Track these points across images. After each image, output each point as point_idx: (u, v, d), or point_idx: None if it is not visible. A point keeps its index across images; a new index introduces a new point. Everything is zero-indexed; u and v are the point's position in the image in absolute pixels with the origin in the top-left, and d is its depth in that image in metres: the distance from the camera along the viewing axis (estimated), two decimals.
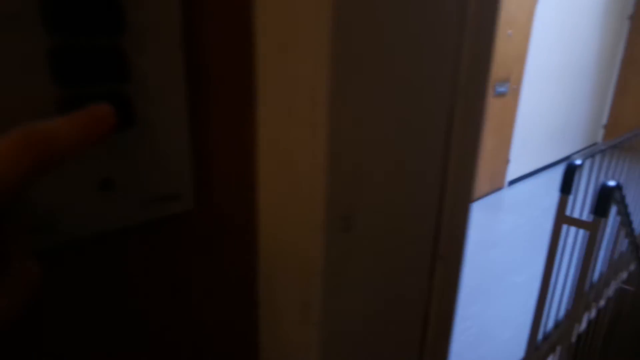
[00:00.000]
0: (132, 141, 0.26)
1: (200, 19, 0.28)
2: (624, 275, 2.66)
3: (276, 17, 0.28)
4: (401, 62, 0.30)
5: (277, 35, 0.29)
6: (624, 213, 2.18)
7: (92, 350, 0.29)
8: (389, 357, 0.39)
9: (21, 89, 0.22)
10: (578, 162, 1.99)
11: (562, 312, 2.24)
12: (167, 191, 0.28)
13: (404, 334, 0.40)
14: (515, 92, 4.36)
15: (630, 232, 2.40)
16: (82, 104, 0.20)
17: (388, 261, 0.35)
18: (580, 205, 2.11)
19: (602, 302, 2.38)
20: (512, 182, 4.74)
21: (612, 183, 1.83)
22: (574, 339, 2.11)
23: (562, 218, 1.98)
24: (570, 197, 1.97)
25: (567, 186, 1.97)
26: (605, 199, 1.83)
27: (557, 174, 2.50)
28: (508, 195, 4.51)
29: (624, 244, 2.56)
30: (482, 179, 4.24)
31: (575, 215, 1.98)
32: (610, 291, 2.48)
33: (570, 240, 2.08)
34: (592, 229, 1.88)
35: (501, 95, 4.19)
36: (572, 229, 2.01)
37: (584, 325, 2.22)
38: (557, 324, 2.27)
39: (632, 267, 2.70)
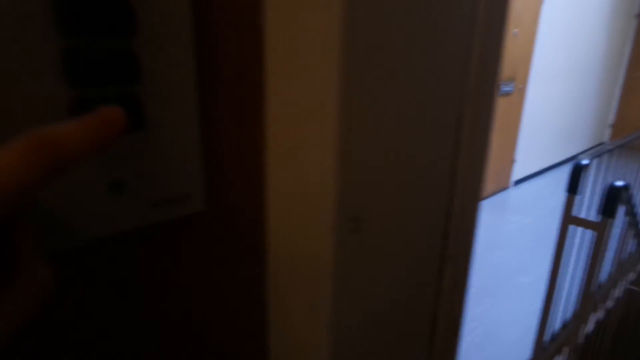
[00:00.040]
0: (143, 143, 0.26)
1: (210, 20, 0.28)
2: (632, 276, 2.64)
3: (286, 18, 0.28)
4: (410, 63, 0.30)
5: (286, 36, 0.29)
6: (632, 213, 2.16)
7: (104, 352, 0.29)
8: (398, 357, 0.39)
9: (34, 90, 0.22)
10: (585, 161, 1.98)
11: (569, 313, 2.23)
12: (178, 193, 0.28)
13: (412, 335, 0.40)
14: (521, 92, 4.34)
15: (638, 233, 2.38)
16: (93, 105, 0.20)
17: (397, 262, 0.35)
18: (587, 206, 2.10)
19: (610, 303, 2.36)
20: (518, 182, 4.71)
21: (619, 183, 1.82)
22: (581, 340, 2.10)
23: (569, 218, 1.97)
24: (577, 197, 1.96)
25: (574, 186, 1.96)
26: (613, 199, 1.82)
27: (564, 173, 2.48)
28: (514, 195, 4.49)
29: (631, 244, 2.54)
30: (487, 178, 4.22)
31: (582, 215, 1.97)
32: (618, 292, 2.46)
33: (577, 240, 2.06)
34: (600, 230, 1.87)
35: (507, 94, 4.17)
36: (579, 229, 1.99)
37: (591, 326, 2.20)
38: (564, 325, 2.25)
39: None
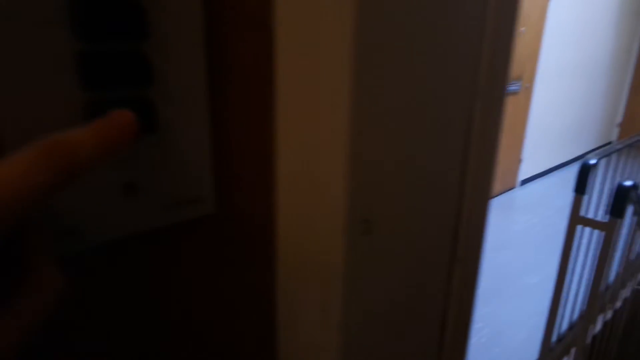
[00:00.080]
0: (155, 145, 0.26)
1: (220, 20, 0.28)
2: None
3: (297, 18, 0.28)
4: (421, 64, 0.30)
5: (297, 36, 0.29)
6: None
7: (117, 354, 0.29)
8: (408, 358, 0.39)
9: (50, 93, 0.22)
10: (593, 161, 1.96)
11: (576, 314, 2.21)
12: (189, 195, 0.28)
13: (422, 336, 0.40)
14: (528, 91, 4.32)
15: None
16: (107, 108, 0.20)
17: (407, 264, 0.35)
18: (595, 206, 2.08)
19: (618, 304, 2.34)
20: (525, 182, 4.68)
21: (628, 183, 1.80)
22: (588, 340, 2.08)
23: (576, 218, 1.95)
24: (585, 197, 1.95)
25: (581, 186, 1.94)
26: (621, 199, 1.80)
27: (571, 173, 2.46)
28: (521, 194, 4.46)
29: None
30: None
31: (590, 215, 1.96)
32: (626, 293, 2.44)
33: (584, 240, 2.05)
34: (608, 230, 1.85)
35: (513, 93, 4.15)
36: (587, 230, 1.98)
37: (599, 326, 2.18)
38: (572, 326, 2.24)
39: None
